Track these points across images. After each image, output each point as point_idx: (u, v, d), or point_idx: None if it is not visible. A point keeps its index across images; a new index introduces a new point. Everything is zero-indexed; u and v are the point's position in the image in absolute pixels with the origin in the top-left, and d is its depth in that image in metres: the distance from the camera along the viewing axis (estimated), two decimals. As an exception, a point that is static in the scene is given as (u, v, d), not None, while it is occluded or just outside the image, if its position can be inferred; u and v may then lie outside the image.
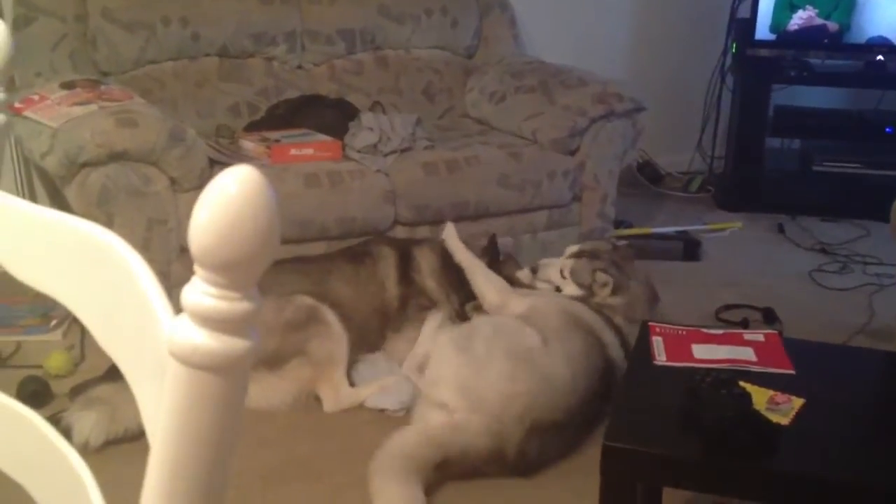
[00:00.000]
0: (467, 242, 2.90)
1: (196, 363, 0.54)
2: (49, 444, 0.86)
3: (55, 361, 2.63)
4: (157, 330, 0.60)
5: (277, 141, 3.04)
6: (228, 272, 0.53)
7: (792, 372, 1.84)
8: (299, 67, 3.57)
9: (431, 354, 2.39)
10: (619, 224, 3.67)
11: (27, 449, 0.89)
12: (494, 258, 2.90)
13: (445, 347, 2.34)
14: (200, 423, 0.55)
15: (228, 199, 0.51)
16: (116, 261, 0.70)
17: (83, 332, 2.80)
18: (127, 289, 0.67)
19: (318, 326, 2.55)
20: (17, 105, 2.75)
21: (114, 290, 0.70)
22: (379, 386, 2.56)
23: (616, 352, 2.44)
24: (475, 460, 2.14)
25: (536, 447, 2.19)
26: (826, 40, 4.24)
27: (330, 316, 2.58)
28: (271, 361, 2.49)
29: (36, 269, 0.83)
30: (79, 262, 0.76)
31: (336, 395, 2.54)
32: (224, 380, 0.55)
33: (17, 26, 3.08)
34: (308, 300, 2.59)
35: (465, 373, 2.24)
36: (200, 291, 0.53)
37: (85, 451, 2.09)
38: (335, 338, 2.57)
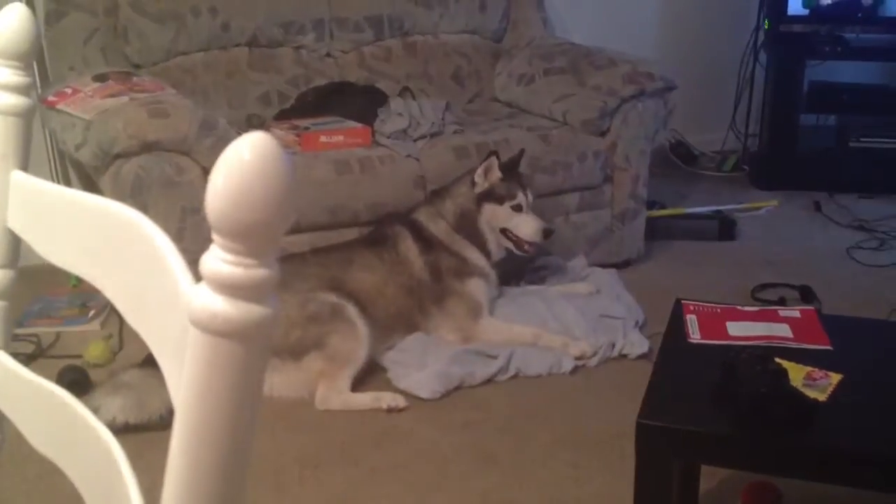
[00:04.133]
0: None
1: (215, 330, 0.54)
2: (87, 428, 0.87)
3: (94, 351, 2.68)
4: (179, 300, 0.60)
5: (307, 129, 3.05)
6: (245, 239, 0.53)
7: (829, 348, 1.81)
8: (328, 55, 3.57)
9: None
10: (652, 205, 3.63)
11: (66, 432, 0.90)
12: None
13: None
14: (221, 390, 0.55)
15: (243, 165, 0.51)
16: (141, 238, 0.70)
17: (121, 321, 2.84)
18: (152, 265, 0.68)
19: (341, 324, 2.55)
20: (50, 98, 2.79)
21: (140, 266, 0.70)
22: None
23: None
24: None
25: None
26: (860, 14, 4.17)
27: (354, 315, 2.58)
28: (295, 352, 2.50)
29: (63, 249, 0.84)
30: (105, 240, 0.77)
31: (329, 393, 2.49)
32: (243, 346, 0.55)
33: (49, 21, 3.11)
34: (332, 297, 2.59)
35: None
36: (218, 258, 0.53)
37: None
38: (356, 338, 2.56)
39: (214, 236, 0.53)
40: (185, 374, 0.56)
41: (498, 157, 2.88)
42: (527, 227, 2.91)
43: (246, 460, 0.59)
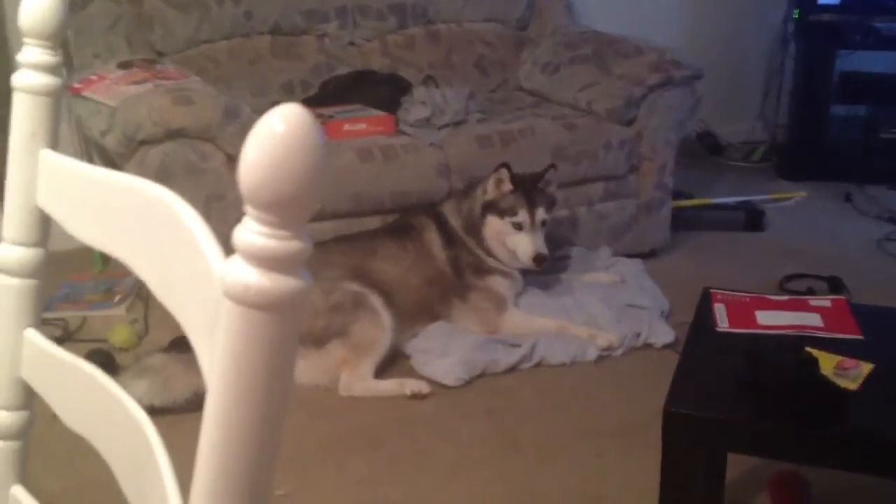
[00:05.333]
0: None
1: (249, 302, 0.54)
2: (120, 406, 0.87)
3: (120, 335, 2.69)
4: (210, 275, 0.60)
5: (331, 117, 3.04)
6: (278, 210, 0.52)
7: (860, 337, 1.79)
8: (351, 44, 3.56)
9: None
10: (678, 195, 3.60)
11: (98, 410, 0.91)
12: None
13: None
14: (254, 363, 0.55)
15: (276, 137, 0.51)
16: (171, 215, 0.70)
17: (147, 306, 2.85)
18: (182, 242, 0.67)
19: (365, 313, 2.56)
20: (76, 85, 2.80)
21: (170, 243, 0.70)
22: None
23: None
24: None
25: None
26: (892, 3, 4.11)
27: (378, 304, 2.58)
28: (318, 340, 2.50)
29: (93, 227, 0.84)
30: (135, 218, 0.76)
31: (352, 380, 2.50)
32: (277, 318, 0.55)
33: (74, 8, 3.12)
34: (356, 286, 2.59)
35: None
36: (251, 230, 0.53)
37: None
38: (379, 327, 2.56)
39: (248, 209, 0.53)
40: (218, 347, 0.56)
41: (509, 169, 2.77)
42: (520, 248, 2.78)
43: (278, 434, 0.59)
